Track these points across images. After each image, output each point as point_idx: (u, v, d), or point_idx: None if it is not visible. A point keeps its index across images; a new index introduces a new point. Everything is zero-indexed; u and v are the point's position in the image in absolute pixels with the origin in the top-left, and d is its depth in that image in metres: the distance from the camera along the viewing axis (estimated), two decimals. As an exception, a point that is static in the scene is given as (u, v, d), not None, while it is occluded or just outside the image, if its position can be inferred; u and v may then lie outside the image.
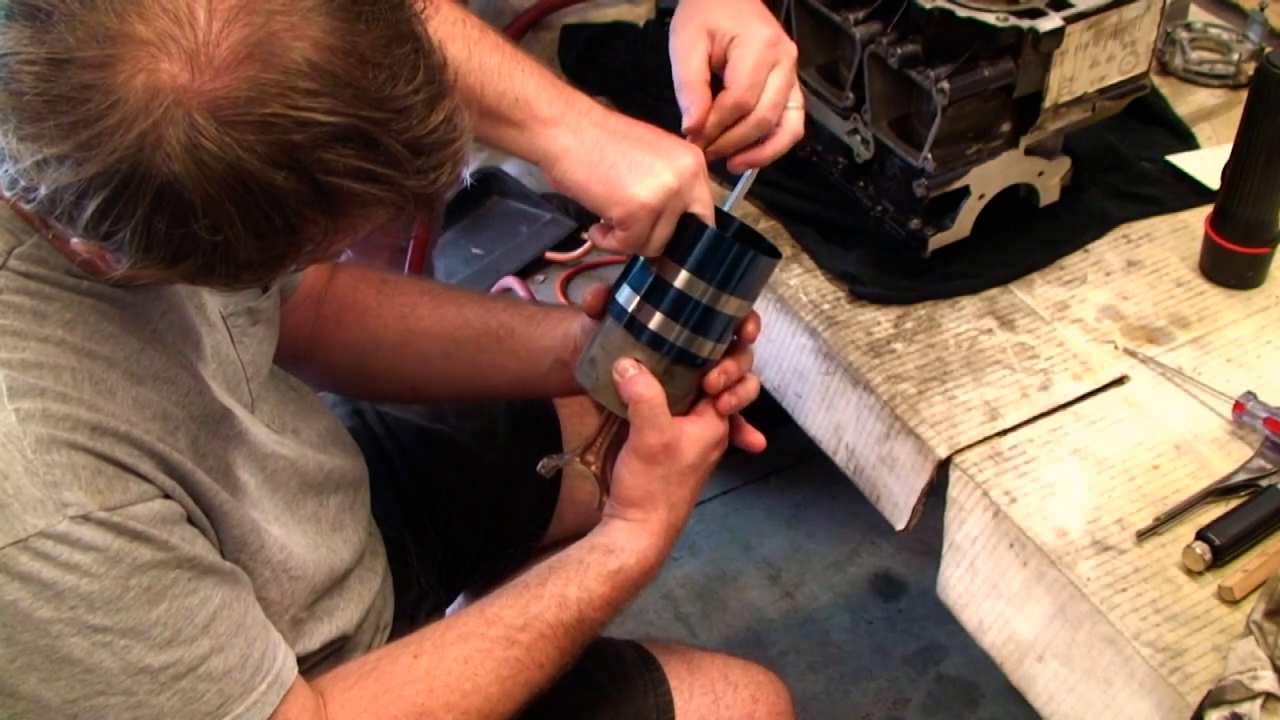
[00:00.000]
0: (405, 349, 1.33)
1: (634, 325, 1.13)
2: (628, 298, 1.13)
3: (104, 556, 0.89)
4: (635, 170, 1.10)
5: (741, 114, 1.20)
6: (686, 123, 1.21)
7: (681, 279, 1.11)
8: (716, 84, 1.22)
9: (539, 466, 1.22)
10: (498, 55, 1.12)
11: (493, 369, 1.32)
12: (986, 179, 1.33)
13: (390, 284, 1.36)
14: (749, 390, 1.18)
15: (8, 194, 0.83)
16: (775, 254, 1.14)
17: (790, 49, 1.22)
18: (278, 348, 1.21)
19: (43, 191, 0.80)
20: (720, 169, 1.39)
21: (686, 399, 1.17)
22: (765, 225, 1.43)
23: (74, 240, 0.85)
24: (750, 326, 1.17)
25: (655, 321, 1.12)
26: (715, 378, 1.15)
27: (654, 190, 1.09)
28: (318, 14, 0.80)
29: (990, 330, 1.31)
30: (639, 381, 1.12)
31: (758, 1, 1.24)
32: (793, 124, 1.23)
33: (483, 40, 1.12)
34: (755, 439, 1.21)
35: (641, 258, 1.14)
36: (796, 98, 1.23)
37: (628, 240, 1.11)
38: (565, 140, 1.12)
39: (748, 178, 1.22)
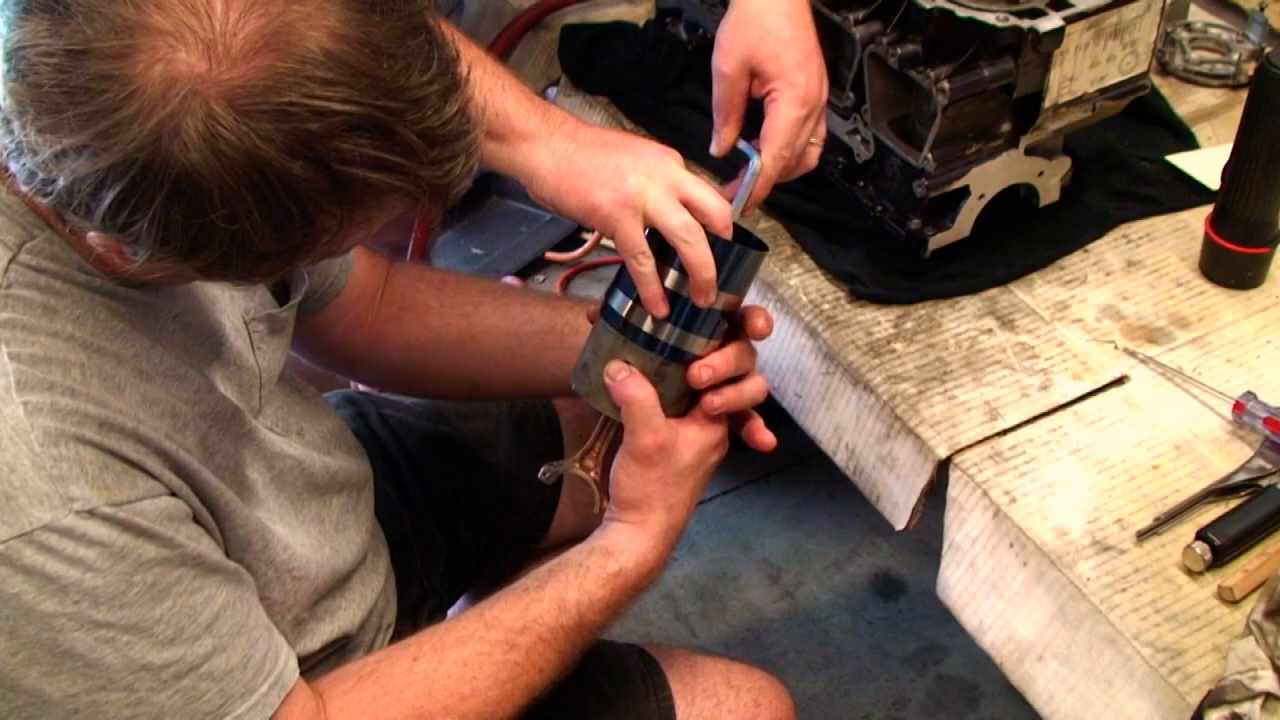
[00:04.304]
0: (468, 346, 1.35)
1: (628, 328, 1.13)
2: (620, 302, 1.14)
3: (109, 552, 0.89)
4: (600, 172, 1.12)
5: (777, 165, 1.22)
6: (713, 149, 1.26)
7: (671, 278, 1.11)
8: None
9: (540, 474, 1.22)
10: (479, 70, 1.13)
11: (555, 365, 1.33)
12: (986, 179, 1.33)
13: (450, 283, 1.38)
14: (753, 389, 1.18)
15: (25, 188, 0.83)
16: (762, 247, 1.14)
17: (820, 96, 1.23)
18: (330, 354, 1.24)
19: (61, 183, 0.80)
20: (723, 169, 1.39)
21: (682, 400, 1.16)
22: (765, 225, 1.43)
23: (91, 234, 0.86)
24: (760, 322, 1.16)
25: (648, 323, 1.13)
26: (697, 371, 1.14)
27: (617, 189, 1.09)
28: (333, 4, 0.81)
29: (990, 330, 1.31)
30: (630, 383, 1.12)
31: (805, 25, 1.24)
32: (808, 159, 1.25)
33: (464, 54, 1.13)
34: (765, 438, 1.20)
35: None
36: (819, 133, 1.25)
37: (622, 245, 1.11)
38: (541, 155, 1.14)
39: (750, 178, 1.21)
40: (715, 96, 1.25)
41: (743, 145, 1.22)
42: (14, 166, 0.82)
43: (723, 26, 1.24)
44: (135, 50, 0.78)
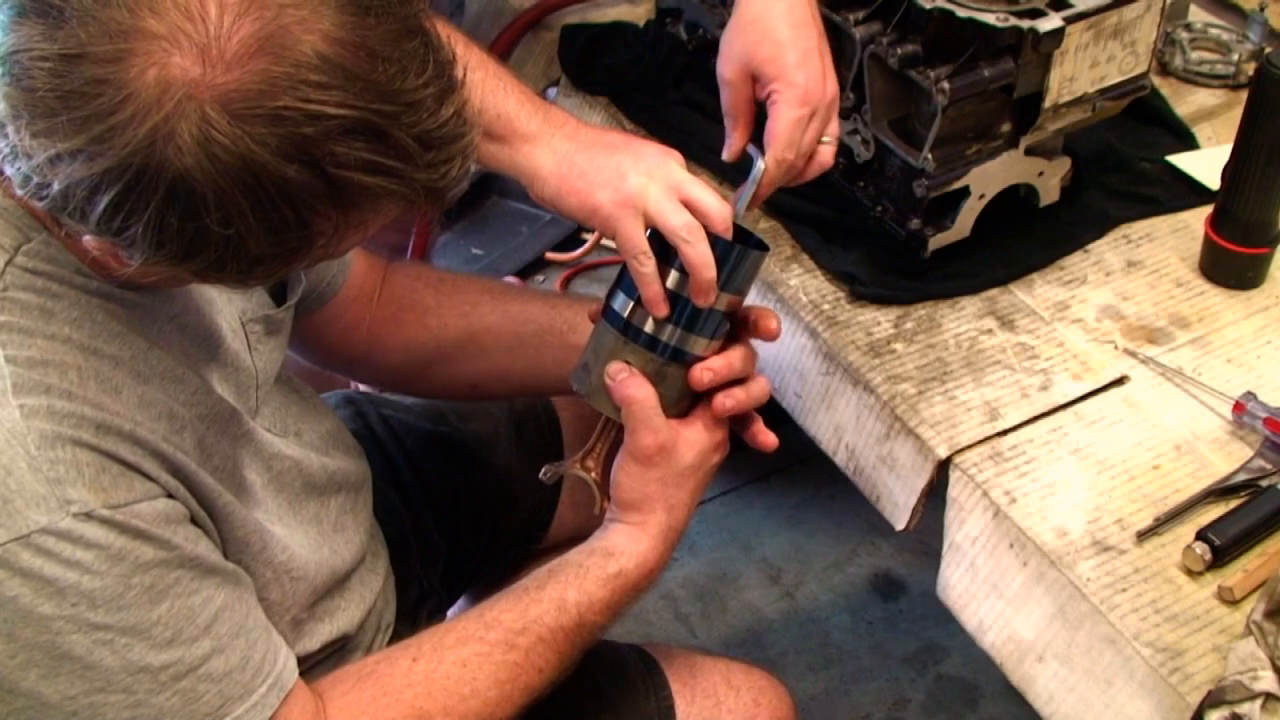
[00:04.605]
0: (468, 346, 1.36)
1: (629, 329, 1.13)
2: (622, 303, 1.14)
3: (106, 554, 0.89)
4: (601, 173, 1.12)
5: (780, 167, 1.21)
6: (725, 155, 1.25)
7: (672, 279, 1.11)
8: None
9: (541, 474, 1.23)
10: (481, 71, 1.13)
11: (554, 364, 1.34)
12: (986, 179, 1.33)
13: (449, 282, 1.38)
14: (759, 391, 1.18)
15: (20, 192, 0.83)
16: (763, 247, 1.14)
17: (825, 94, 1.21)
18: (328, 354, 1.24)
19: (55, 188, 0.80)
20: (724, 170, 1.39)
21: (683, 401, 1.16)
22: (765, 225, 1.43)
23: (86, 238, 0.86)
24: (773, 324, 1.16)
25: (649, 323, 1.13)
26: (698, 373, 1.14)
27: (618, 189, 1.09)
28: (327, 8, 0.81)
29: (990, 330, 1.31)
30: (630, 383, 1.12)
31: (803, 25, 1.22)
32: (821, 157, 1.24)
33: (466, 56, 1.13)
34: (767, 439, 1.20)
35: None
36: (831, 131, 1.24)
37: (624, 246, 1.11)
38: (542, 156, 1.14)
39: (753, 180, 1.21)
40: (723, 103, 1.25)
41: (749, 149, 1.22)
42: (9, 170, 0.82)
43: (724, 32, 1.24)
44: (129, 54, 0.78)
